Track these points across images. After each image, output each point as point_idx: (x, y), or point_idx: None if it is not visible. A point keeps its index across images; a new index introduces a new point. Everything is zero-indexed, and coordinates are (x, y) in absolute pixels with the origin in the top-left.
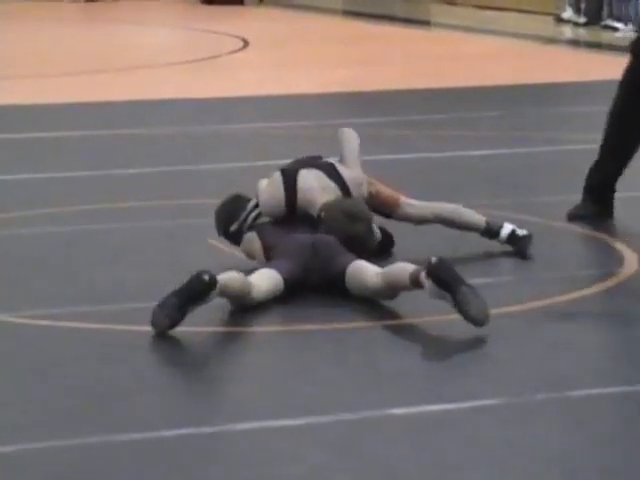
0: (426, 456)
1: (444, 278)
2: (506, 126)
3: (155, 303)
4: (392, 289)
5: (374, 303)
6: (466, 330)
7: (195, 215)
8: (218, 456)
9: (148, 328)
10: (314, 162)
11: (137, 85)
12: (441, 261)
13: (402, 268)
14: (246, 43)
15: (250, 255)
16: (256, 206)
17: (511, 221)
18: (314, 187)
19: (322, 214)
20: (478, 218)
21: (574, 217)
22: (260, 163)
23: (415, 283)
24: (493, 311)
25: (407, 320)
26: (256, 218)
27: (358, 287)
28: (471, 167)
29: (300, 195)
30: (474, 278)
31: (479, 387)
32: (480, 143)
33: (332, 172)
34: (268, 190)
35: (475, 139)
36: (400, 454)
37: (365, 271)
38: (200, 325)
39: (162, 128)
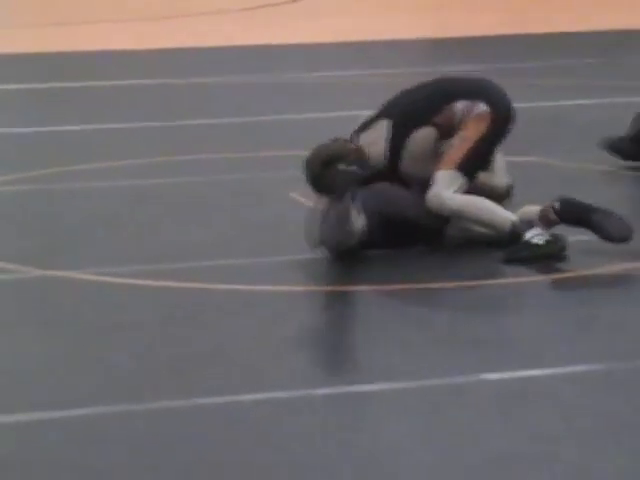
0: (517, 426)
1: (572, 218)
2: (605, 75)
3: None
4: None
5: (468, 261)
6: (568, 291)
7: (277, 167)
8: (295, 422)
9: (223, 286)
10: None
11: (202, 32)
12: (562, 204)
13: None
14: None
15: None
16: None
17: (608, 175)
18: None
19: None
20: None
21: (609, 146)
22: (344, 113)
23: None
24: (597, 270)
25: (503, 280)
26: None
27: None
28: (566, 118)
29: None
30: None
31: (578, 352)
32: (577, 92)
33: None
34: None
35: (572, 88)
36: (489, 424)
37: None
38: (287, 284)
39: (234, 76)
